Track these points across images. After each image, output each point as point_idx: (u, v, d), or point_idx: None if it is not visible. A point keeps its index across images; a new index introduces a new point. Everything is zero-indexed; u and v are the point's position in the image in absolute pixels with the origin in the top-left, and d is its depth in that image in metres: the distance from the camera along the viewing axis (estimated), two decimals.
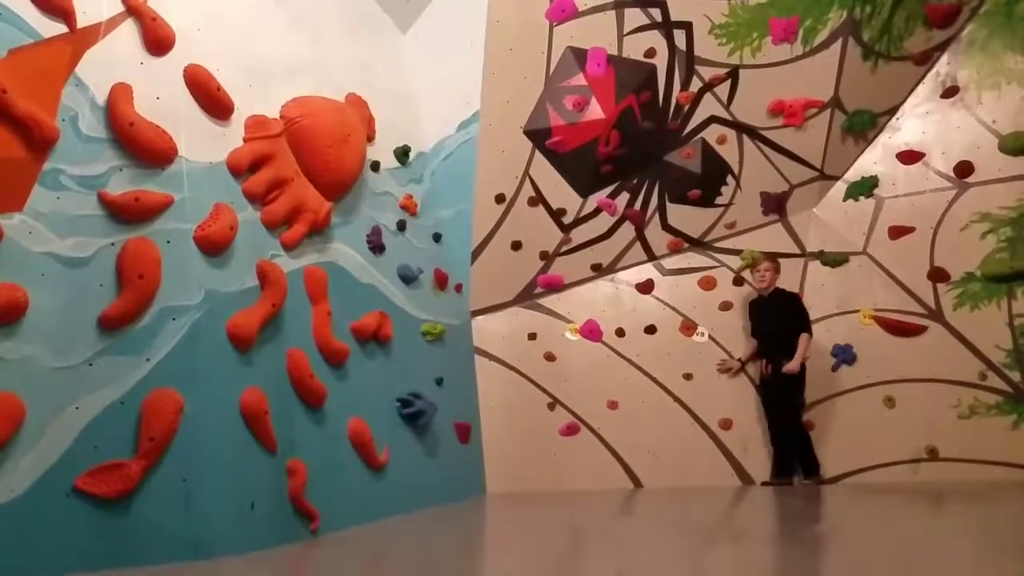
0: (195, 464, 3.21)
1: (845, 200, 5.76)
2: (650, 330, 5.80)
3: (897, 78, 5.59)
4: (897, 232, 5.54)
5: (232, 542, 3.25)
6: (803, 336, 5.28)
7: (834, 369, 5.46)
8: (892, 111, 5.69)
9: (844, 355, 5.45)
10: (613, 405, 5.68)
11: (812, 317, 5.48)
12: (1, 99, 2.97)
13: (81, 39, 3.34)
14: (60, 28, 3.26)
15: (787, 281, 5.63)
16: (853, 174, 5.76)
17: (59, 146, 3.15)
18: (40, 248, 3.03)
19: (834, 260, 5.67)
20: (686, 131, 5.74)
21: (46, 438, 2.91)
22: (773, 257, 5.57)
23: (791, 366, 5.21)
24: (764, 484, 5.32)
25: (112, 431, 3.06)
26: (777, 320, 5.38)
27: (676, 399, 5.64)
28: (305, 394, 3.92)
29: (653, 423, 5.60)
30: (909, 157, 5.60)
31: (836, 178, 5.80)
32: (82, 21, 3.35)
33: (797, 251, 5.79)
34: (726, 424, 5.53)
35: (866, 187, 5.69)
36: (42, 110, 3.11)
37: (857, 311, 5.52)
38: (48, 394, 2.94)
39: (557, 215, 5.81)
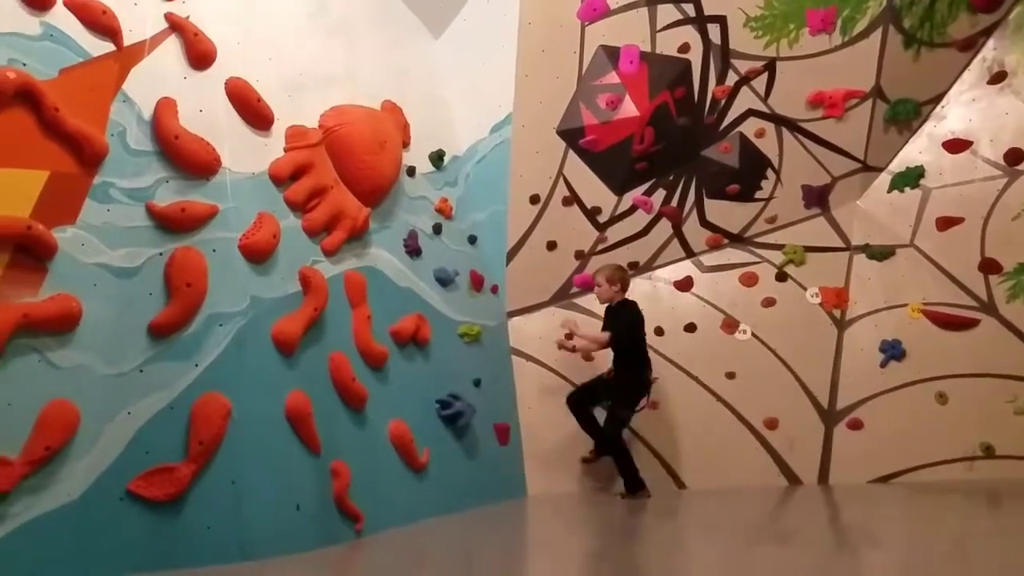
0: (243, 467, 3.28)
1: (890, 191, 5.62)
2: (690, 328, 5.73)
3: (941, 65, 5.44)
4: (945, 223, 5.38)
5: (279, 544, 3.31)
6: (606, 334, 5.15)
7: (883, 365, 5.32)
8: (937, 99, 5.53)
9: (893, 351, 5.31)
10: (653, 405, 5.62)
11: (860, 311, 5.39)
12: (54, 117, 3.08)
13: (127, 56, 3.45)
14: (108, 47, 3.38)
15: (833, 277, 5.52)
16: (898, 164, 5.62)
17: (108, 160, 3.26)
18: (92, 259, 3.13)
19: (880, 253, 5.54)
20: (723, 125, 5.67)
21: (100, 443, 3.00)
22: (616, 268, 5.34)
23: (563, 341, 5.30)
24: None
25: (163, 435, 3.14)
26: (613, 330, 5.21)
27: (719, 398, 5.55)
28: (347, 397, 3.98)
29: (696, 423, 5.53)
30: (956, 146, 5.44)
31: (880, 169, 5.66)
32: (128, 39, 3.46)
33: (841, 244, 5.67)
34: (772, 423, 5.43)
35: (911, 178, 5.55)
36: (92, 126, 3.22)
37: (905, 305, 5.37)
38: (101, 400, 3.03)
39: (592, 214, 5.80)
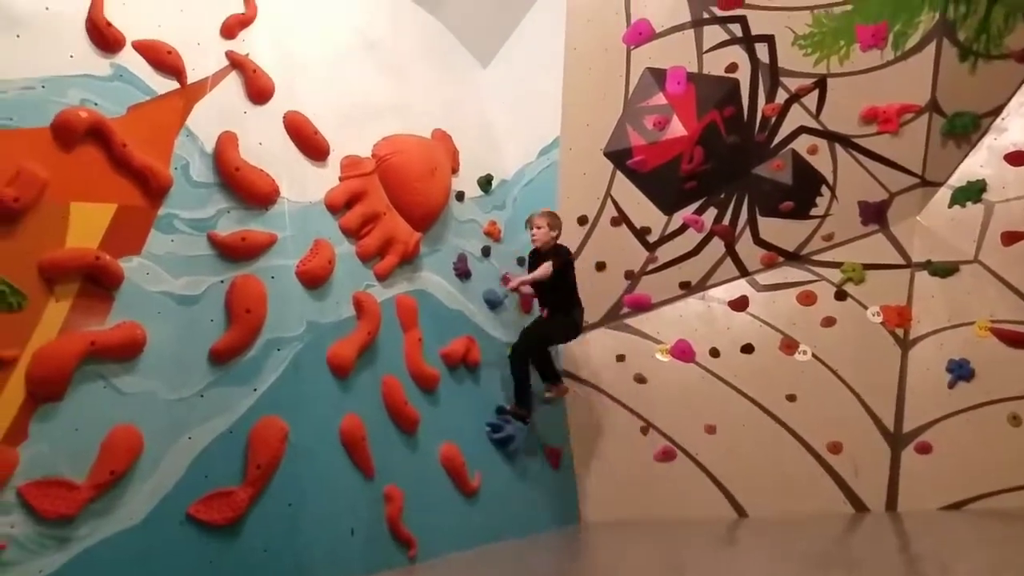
0: (299, 490, 3.32)
1: (951, 206, 5.43)
2: (747, 349, 5.59)
3: (999, 77, 5.27)
4: (1011, 238, 5.17)
5: (334, 568, 3.33)
6: (549, 265, 4.90)
7: (951, 386, 5.10)
8: (996, 111, 5.35)
9: (961, 371, 5.08)
10: (710, 429, 5.49)
11: (924, 330, 5.19)
12: (122, 153, 3.23)
13: (191, 93, 3.60)
14: (172, 85, 3.54)
15: (894, 294, 5.34)
16: (958, 179, 5.43)
17: (173, 192, 3.39)
18: (156, 288, 3.24)
19: (943, 270, 5.34)
20: (774, 143, 5.58)
21: (162, 467, 3.07)
22: (554, 214, 5.16)
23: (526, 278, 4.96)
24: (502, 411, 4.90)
25: (222, 459, 3.20)
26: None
27: (779, 422, 5.38)
28: (400, 420, 4.00)
29: (755, 448, 5.36)
30: (1018, 158, 5.24)
31: (939, 184, 5.48)
32: (192, 77, 3.61)
33: (902, 262, 5.48)
34: (835, 448, 5.23)
35: (973, 192, 5.36)
36: (157, 160, 3.36)
37: (972, 323, 5.15)
38: (164, 425, 3.11)
39: (641, 234, 5.75)
